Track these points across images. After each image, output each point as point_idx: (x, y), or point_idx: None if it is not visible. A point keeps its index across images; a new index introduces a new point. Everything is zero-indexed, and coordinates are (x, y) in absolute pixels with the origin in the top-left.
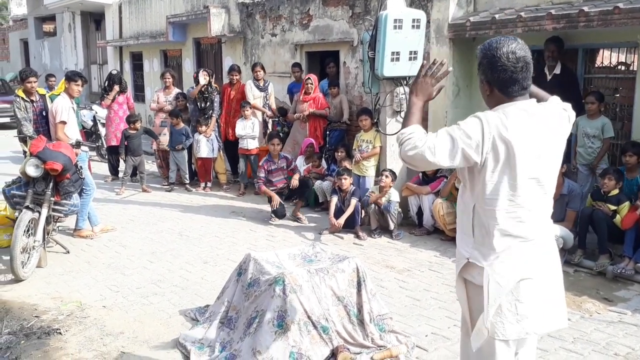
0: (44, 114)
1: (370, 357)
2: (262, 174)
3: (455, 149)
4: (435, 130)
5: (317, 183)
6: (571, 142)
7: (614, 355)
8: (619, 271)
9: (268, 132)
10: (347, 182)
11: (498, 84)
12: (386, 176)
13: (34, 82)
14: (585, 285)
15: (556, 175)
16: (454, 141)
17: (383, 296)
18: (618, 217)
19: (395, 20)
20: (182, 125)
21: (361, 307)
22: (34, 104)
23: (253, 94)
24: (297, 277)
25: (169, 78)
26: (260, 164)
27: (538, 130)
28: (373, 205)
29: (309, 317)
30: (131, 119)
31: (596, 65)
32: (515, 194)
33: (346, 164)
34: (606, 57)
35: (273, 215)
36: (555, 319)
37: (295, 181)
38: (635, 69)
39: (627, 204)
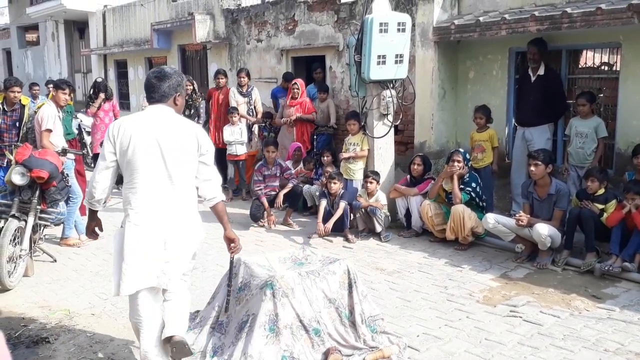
0: (17, 124)
1: (362, 359)
2: (259, 178)
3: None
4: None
5: (306, 187)
6: (564, 143)
7: (604, 351)
8: (606, 268)
9: (253, 137)
10: (336, 187)
11: None
12: (370, 182)
13: (18, 91)
14: (573, 283)
15: (184, 166)
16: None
17: (374, 298)
18: (605, 215)
19: (381, 24)
20: None
21: (352, 308)
22: (7, 114)
23: (237, 100)
24: (288, 281)
25: None
26: (255, 167)
27: (151, 128)
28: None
29: (300, 321)
30: None
31: (580, 66)
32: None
33: (329, 168)
34: (589, 58)
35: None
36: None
37: (279, 199)
38: (618, 69)
39: (614, 202)
